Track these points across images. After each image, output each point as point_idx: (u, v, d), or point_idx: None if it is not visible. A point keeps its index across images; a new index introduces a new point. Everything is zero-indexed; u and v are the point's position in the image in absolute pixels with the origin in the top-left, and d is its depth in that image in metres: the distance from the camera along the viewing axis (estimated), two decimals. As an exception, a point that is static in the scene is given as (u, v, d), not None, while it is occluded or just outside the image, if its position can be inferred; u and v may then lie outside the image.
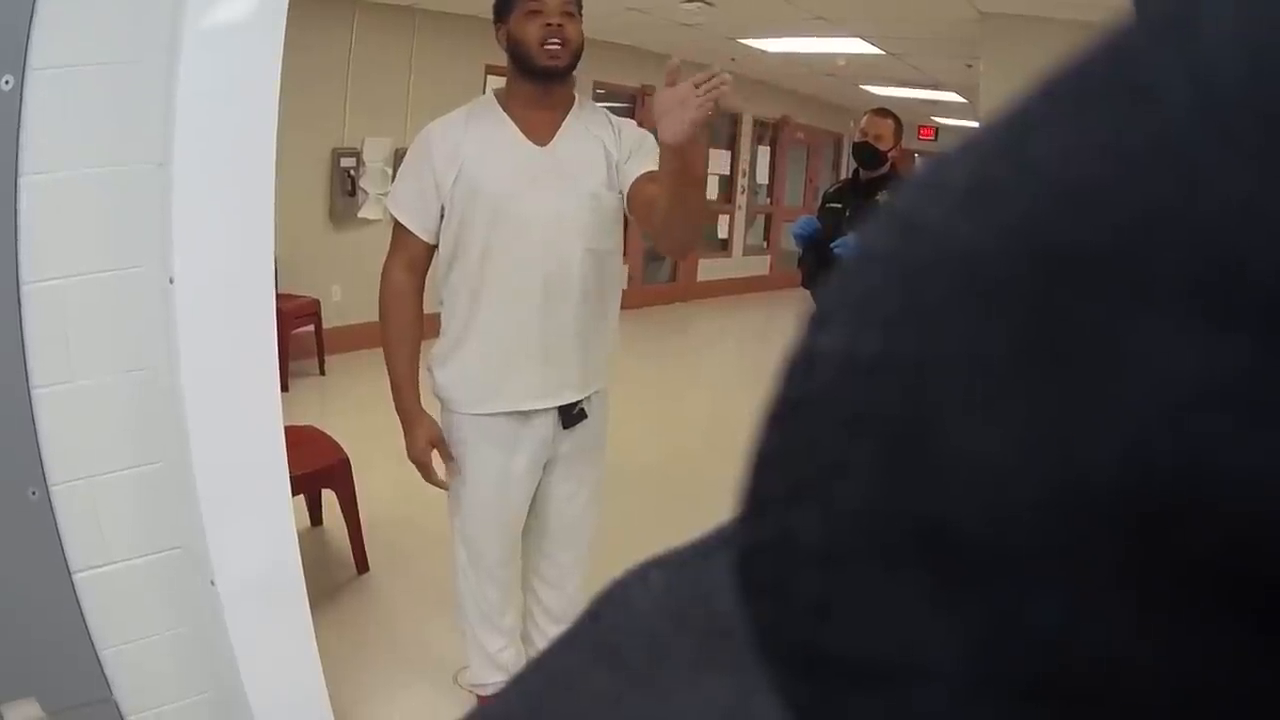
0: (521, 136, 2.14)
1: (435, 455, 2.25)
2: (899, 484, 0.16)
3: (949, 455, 0.15)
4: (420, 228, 2.17)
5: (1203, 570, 0.13)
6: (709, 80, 1.78)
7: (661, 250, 2.39)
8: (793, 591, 0.17)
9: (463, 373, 2.19)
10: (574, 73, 2.17)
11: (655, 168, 2.12)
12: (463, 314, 2.17)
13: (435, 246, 2.19)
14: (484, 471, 2.24)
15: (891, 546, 0.16)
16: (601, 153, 2.17)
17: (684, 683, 0.21)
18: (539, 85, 2.13)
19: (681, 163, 1.88)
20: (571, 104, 2.21)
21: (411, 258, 2.20)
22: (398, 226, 2.21)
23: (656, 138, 1.87)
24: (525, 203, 2.09)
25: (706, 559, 0.22)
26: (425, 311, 2.26)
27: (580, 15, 2.14)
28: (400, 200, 2.20)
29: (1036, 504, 0.14)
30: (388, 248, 2.25)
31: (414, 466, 2.25)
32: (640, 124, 2.28)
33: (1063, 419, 0.13)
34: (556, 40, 2.08)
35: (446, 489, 2.30)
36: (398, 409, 2.23)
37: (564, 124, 2.17)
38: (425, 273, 2.24)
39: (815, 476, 0.17)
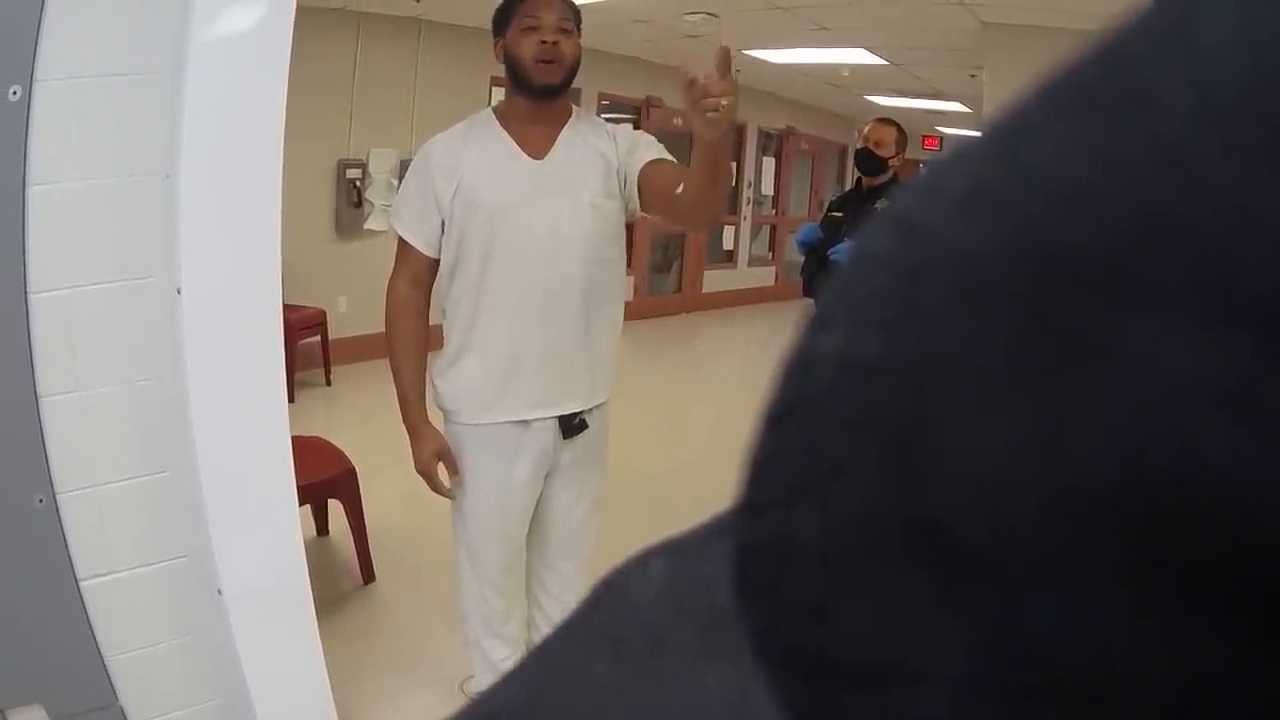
0: (518, 150, 2.16)
1: (441, 466, 2.25)
2: (897, 486, 0.15)
3: (947, 457, 0.15)
4: (422, 242, 2.19)
5: (1202, 571, 0.13)
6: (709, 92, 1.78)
7: (688, 225, 2.40)
8: (790, 594, 0.17)
9: (464, 383, 2.20)
10: (572, 87, 2.19)
11: (659, 156, 2.18)
12: (464, 325, 2.18)
13: (438, 260, 2.21)
14: (485, 481, 2.25)
15: (889, 548, 0.16)
16: (600, 162, 2.18)
17: (684, 673, 0.21)
18: (535, 100, 2.15)
19: (713, 153, 1.94)
20: (569, 117, 2.22)
21: (415, 272, 2.22)
22: (401, 241, 2.23)
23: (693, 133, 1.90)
24: (523, 215, 2.11)
25: (706, 548, 0.22)
26: (430, 323, 2.28)
27: (579, 32, 2.17)
28: (402, 215, 2.22)
29: (1035, 506, 0.14)
30: (393, 260, 2.27)
31: (420, 477, 2.26)
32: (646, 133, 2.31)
33: (1061, 421, 0.13)
34: (550, 58, 2.10)
35: (453, 499, 2.30)
36: (404, 421, 2.25)
37: (560, 136, 2.19)
38: (430, 286, 2.25)
39: (813, 478, 0.17)
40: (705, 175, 1.99)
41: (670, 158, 2.22)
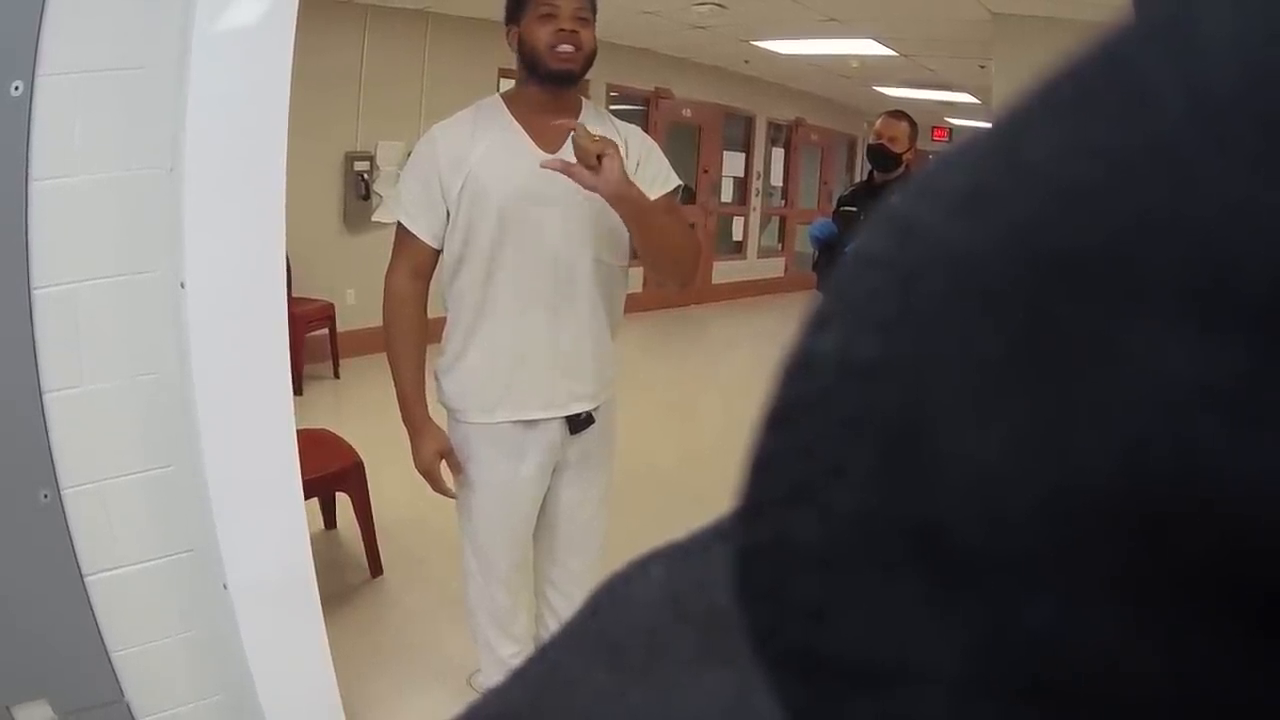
0: (531, 144, 2.12)
1: (444, 466, 2.24)
2: (896, 487, 0.15)
3: (946, 458, 0.15)
4: (428, 233, 2.14)
5: (1201, 572, 0.12)
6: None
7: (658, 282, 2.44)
8: (789, 595, 0.17)
9: (468, 381, 2.18)
10: (584, 78, 2.16)
11: (661, 192, 2.18)
12: (468, 322, 2.15)
13: (440, 251, 2.17)
14: (492, 478, 2.23)
15: (888, 549, 0.15)
16: None
17: (685, 677, 0.21)
18: (548, 90, 2.11)
19: (625, 208, 2.01)
20: (579, 110, 2.19)
21: (416, 264, 2.18)
22: (401, 231, 2.18)
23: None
24: (533, 211, 2.07)
25: (706, 552, 0.22)
26: (430, 315, 2.24)
27: (594, 21, 2.12)
28: (406, 205, 2.16)
29: (1033, 506, 0.14)
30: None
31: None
32: (655, 124, 2.28)
33: (1059, 422, 0.13)
34: (569, 45, 2.06)
35: (455, 498, 2.29)
36: (404, 419, 2.21)
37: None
38: (430, 278, 2.21)
39: (812, 479, 0.17)
40: (640, 244, 2.11)
41: (671, 184, 2.23)
